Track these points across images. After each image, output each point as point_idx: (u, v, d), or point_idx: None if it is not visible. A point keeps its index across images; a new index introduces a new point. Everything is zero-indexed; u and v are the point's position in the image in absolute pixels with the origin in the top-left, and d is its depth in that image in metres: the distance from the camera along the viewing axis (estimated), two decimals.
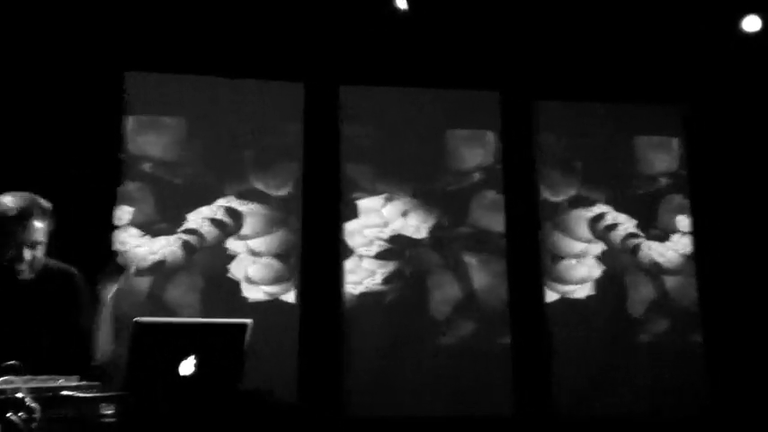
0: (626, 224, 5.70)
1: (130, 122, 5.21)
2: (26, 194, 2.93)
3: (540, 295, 5.51)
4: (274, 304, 5.17)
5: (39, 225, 2.87)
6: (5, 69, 4.88)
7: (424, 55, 5.50)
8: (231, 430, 2.42)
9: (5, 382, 2.05)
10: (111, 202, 5.05)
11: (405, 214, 5.49)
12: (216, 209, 5.26)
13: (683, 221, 5.77)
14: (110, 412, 2.22)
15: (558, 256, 5.61)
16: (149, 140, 5.23)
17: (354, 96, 5.53)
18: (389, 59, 5.47)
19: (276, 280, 5.24)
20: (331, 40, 5.42)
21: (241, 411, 2.49)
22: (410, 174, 5.53)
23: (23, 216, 2.86)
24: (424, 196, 5.53)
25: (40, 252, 2.91)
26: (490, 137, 5.69)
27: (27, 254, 2.86)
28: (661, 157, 5.88)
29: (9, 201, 2.89)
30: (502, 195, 5.60)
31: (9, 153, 4.77)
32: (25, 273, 2.89)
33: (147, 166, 5.19)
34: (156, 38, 5.15)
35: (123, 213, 5.11)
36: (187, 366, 2.33)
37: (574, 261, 5.60)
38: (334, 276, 5.29)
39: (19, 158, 4.77)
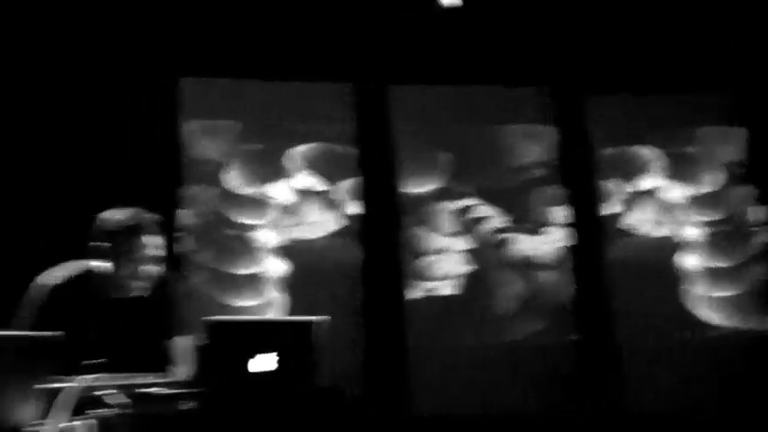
0: None
1: (188, 127, 5.32)
2: (134, 209, 2.99)
3: None
4: (340, 302, 5.26)
5: (155, 239, 2.95)
6: (68, 80, 5.00)
7: (471, 51, 5.52)
8: (303, 427, 2.47)
9: (96, 379, 2.12)
10: (173, 205, 5.17)
11: (463, 211, 5.53)
12: (273, 209, 5.35)
13: None
14: (190, 408, 2.30)
15: None
16: (206, 144, 5.35)
17: (404, 95, 5.56)
18: (437, 57, 5.49)
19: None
20: (380, 40, 5.45)
21: (312, 409, 2.54)
22: (465, 171, 5.57)
23: (138, 230, 2.93)
24: (483, 193, 5.56)
25: (155, 266, 2.97)
26: (544, 132, 5.70)
27: (146, 269, 2.93)
28: None
29: (121, 214, 2.96)
30: (563, 189, 5.63)
31: (72, 160, 4.90)
32: (142, 289, 2.96)
33: (205, 169, 5.32)
34: (209, 44, 5.24)
35: (184, 216, 5.24)
36: (257, 364, 2.38)
37: None
38: (396, 275, 5.33)
39: (80, 164, 4.91)
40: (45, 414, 1.92)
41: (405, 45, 5.45)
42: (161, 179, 5.11)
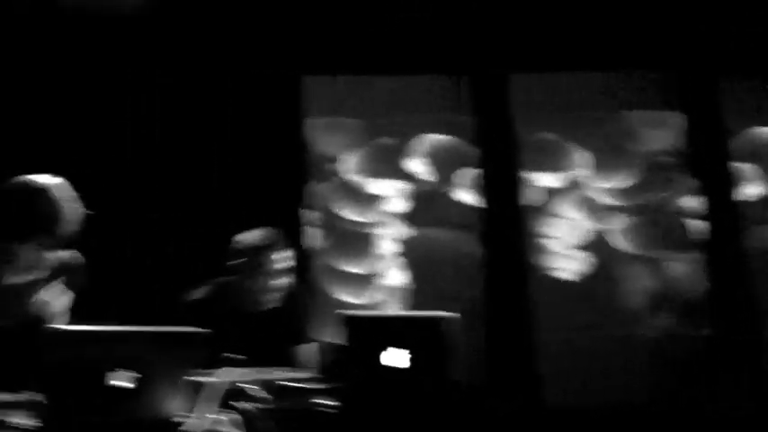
0: None
1: (311, 124, 5.40)
2: (267, 229, 3.30)
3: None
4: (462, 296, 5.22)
5: (284, 255, 3.23)
6: (193, 82, 5.14)
7: (591, 36, 5.37)
8: (435, 423, 2.46)
9: (238, 373, 2.17)
10: (298, 203, 5.26)
11: (588, 201, 5.41)
12: (395, 205, 5.37)
13: None
14: (328, 402, 2.33)
15: None
16: (329, 141, 5.41)
17: (524, 84, 5.46)
18: (557, 43, 5.36)
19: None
20: (498, 29, 5.37)
21: (444, 404, 2.53)
22: (590, 160, 5.43)
23: (269, 247, 3.22)
24: (609, 182, 5.41)
25: (287, 280, 3.23)
26: (674, 118, 5.50)
27: (277, 282, 3.21)
28: None
29: (253, 235, 3.26)
30: (694, 177, 5.41)
31: (200, 160, 5.04)
32: (275, 301, 3.24)
33: (329, 166, 5.38)
34: (330, 42, 5.29)
35: (309, 214, 5.32)
36: (395, 358, 2.38)
37: None
38: (520, 268, 5.27)
39: (208, 165, 5.05)
40: (192, 406, 1.97)
41: (524, 32, 5.35)
42: (285, 177, 5.22)
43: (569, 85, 5.49)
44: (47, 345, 1.76)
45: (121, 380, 1.82)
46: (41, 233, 2.37)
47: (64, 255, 2.50)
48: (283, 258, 3.25)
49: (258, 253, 3.22)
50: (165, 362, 1.88)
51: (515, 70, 5.44)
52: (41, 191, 2.41)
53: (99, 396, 1.80)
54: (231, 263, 3.27)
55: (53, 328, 1.75)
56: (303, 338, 3.35)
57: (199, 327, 3.03)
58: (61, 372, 1.76)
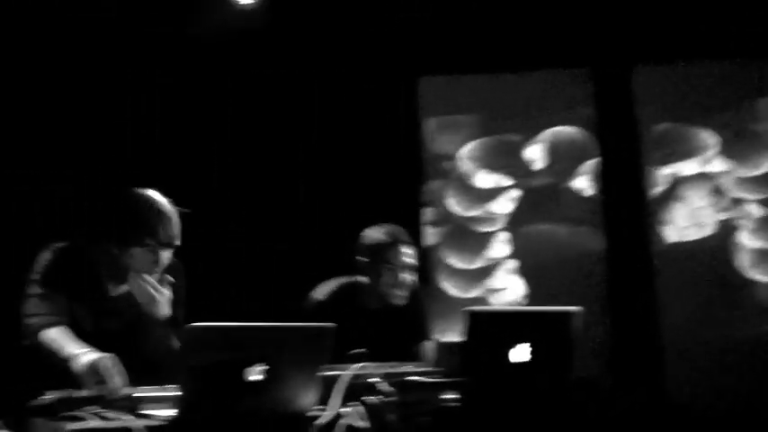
0: None
1: (427, 124, 5.45)
2: (390, 226, 3.34)
3: None
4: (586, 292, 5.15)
5: (409, 250, 3.26)
6: (315, 84, 5.26)
7: (715, 25, 5.18)
8: (560, 419, 2.45)
9: (362, 368, 2.22)
10: (417, 202, 5.32)
11: (719, 193, 5.24)
12: (514, 201, 5.35)
13: None
14: (452, 397, 2.36)
15: None
16: (447, 140, 5.45)
17: (647, 77, 5.32)
18: (682, 34, 5.20)
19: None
20: (618, 21, 5.26)
21: (571, 399, 2.52)
22: (719, 150, 5.25)
23: (395, 243, 3.25)
24: (741, 173, 5.22)
25: (412, 276, 3.27)
26: None
27: (404, 278, 3.23)
28: None
29: (379, 231, 3.30)
30: None
31: (320, 161, 5.15)
32: (401, 297, 3.27)
33: (446, 165, 5.41)
34: (446, 42, 5.31)
35: (428, 212, 5.37)
36: (521, 354, 2.39)
37: None
38: (646, 262, 5.15)
39: (328, 166, 5.16)
40: (323, 401, 2.04)
41: (645, 24, 5.21)
42: (403, 177, 5.28)
43: (692, 75, 5.33)
44: (188, 341, 1.84)
45: (257, 374, 1.89)
46: (151, 236, 2.49)
47: (171, 258, 2.61)
48: (408, 255, 3.26)
49: (384, 249, 3.24)
50: (297, 357, 1.94)
51: (637, 63, 5.31)
52: (147, 197, 2.55)
53: (236, 390, 1.88)
54: (358, 259, 3.31)
55: (195, 325, 1.84)
56: (425, 336, 3.41)
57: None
58: (202, 366, 1.85)
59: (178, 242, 2.56)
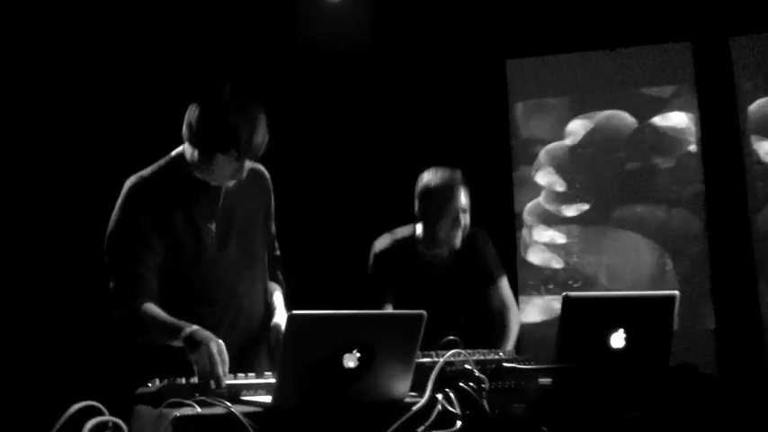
0: None
1: (517, 108, 5.39)
2: (446, 170, 3.27)
3: None
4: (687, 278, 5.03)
5: (462, 193, 3.21)
6: (403, 70, 5.27)
7: None
8: (659, 405, 2.40)
9: (455, 354, 2.22)
10: (509, 188, 5.27)
11: None
12: (617, 181, 5.25)
13: None
14: (547, 383, 2.34)
15: None
16: (536, 123, 5.37)
17: (746, 47, 5.10)
18: None
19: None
20: None
21: (669, 386, 2.46)
22: None
23: (448, 186, 3.20)
24: None
25: (466, 220, 3.22)
26: None
27: (458, 222, 3.19)
28: None
29: (432, 175, 3.24)
30: None
31: (405, 146, 5.16)
32: (457, 241, 3.23)
33: (537, 149, 5.34)
34: (532, 24, 5.25)
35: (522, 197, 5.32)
36: (618, 339, 2.35)
37: None
38: (747, 248, 4.99)
39: (412, 152, 5.15)
40: (419, 387, 2.05)
41: None
42: (493, 162, 5.24)
43: None
44: (288, 329, 1.87)
45: (353, 362, 1.91)
46: (234, 143, 2.43)
47: (254, 165, 2.64)
48: (462, 198, 3.20)
49: (437, 194, 3.18)
50: (391, 344, 1.95)
51: (735, 33, 5.11)
52: (236, 105, 2.48)
53: (333, 378, 1.90)
54: (417, 206, 3.27)
55: (295, 313, 1.87)
56: (492, 279, 3.37)
57: (386, 275, 3.24)
58: (299, 354, 1.87)
59: (260, 152, 2.52)
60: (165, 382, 2.05)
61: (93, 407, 1.87)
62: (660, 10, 5.08)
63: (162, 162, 2.61)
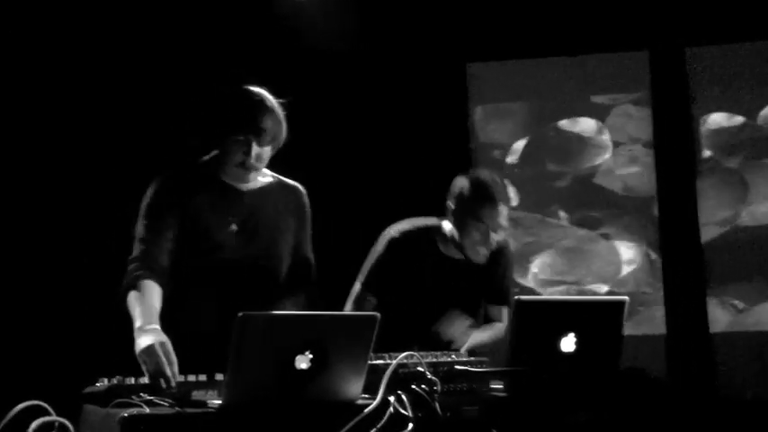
0: None
1: (476, 112, 5.41)
2: (488, 175, 3.02)
3: None
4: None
5: (502, 208, 2.95)
6: (361, 70, 5.26)
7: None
8: (610, 408, 2.43)
9: (408, 357, 2.22)
10: None
11: None
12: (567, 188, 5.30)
13: None
14: (499, 386, 2.35)
15: None
16: (495, 128, 5.40)
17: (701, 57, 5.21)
18: (736, 14, 5.08)
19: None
20: (669, 4, 5.15)
21: (619, 390, 2.49)
22: None
23: (487, 199, 2.91)
24: None
25: (500, 236, 3.04)
26: None
27: (489, 237, 2.95)
28: None
29: (472, 180, 2.97)
30: None
31: (367, 151, 5.15)
32: (482, 257, 3.00)
33: (496, 154, 5.37)
34: (493, 28, 5.27)
35: None
36: (568, 343, 2.37)
37: None
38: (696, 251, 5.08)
39: (373, 156, 5.16)
40: (371, 389, 2.05)
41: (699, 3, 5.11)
42: (451, 165, 5.24)
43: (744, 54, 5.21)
44: (238, 329, 1.86)
45: (307, 363, 1.90)
46: (241, 127, 2.52)
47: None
48: (499, 214, 2.93)
49: (474, 202, 2.91)
50: (343, 345, 1.95)
51: (692, 44, 5.20)
52: (245, 91, 2.60)
53: (284, 378, 1.89)
54: (448, 203, 3.02)
55: (246, 314, 1.85)
56: (504, 300, 3.16)
57: (393, 265, 3.04)
58: (250, 354, 1.87)
59: (272, 138, 2.57)
60: (114, 381, 2.03)
61: (38, 406, 1.84)
62: (619, 18, 5.15)
63: (191, 163, 2.69)
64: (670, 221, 5.12)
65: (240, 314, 1.86)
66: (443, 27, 5.27)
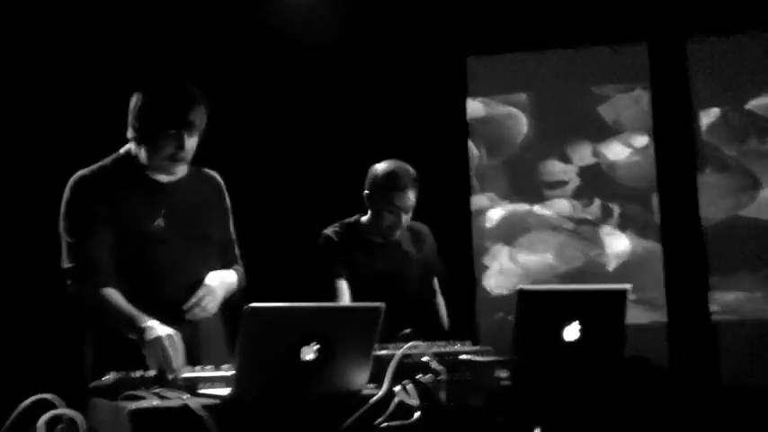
0: None
1: (475, 105, 5.42)
2: (397, 162, 3.31)
3: None
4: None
5: (410, 192, 3.23)
6: (358, 65, 5.27)
7: None
8: (612, 397, 2.44)
9: (412, 347, 2.24)
10: (466, 183, 5.30)
11: None
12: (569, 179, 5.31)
13: None
14: (504, 376, 2.37)
15: None
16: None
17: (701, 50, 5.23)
18: (736, 6, 5.09)
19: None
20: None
21: (622, 378, 2.50)
22: None
23: (396, 184, 3.22)
24: None
25: (408, 217, 3.29)
26: None
27: (400, 219, 3.24)
28: None
29: (384, 168, 3.27)
30: None
31: (365, 141, 5.15)
32: (396, 234, 3.31)
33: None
34: (493, 21, 5.28)
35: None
36: (572, 332, 2.38)
37: None
38: (699, 241, 5.08)
39: (369, 147, 5.14)
40: (376, 380, 2.06)
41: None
42: (450, 157, 5.27)
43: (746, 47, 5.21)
44: (245, 321, 1.87)
45: (310, 354, 1.92)
46: (174, 120, 2.55)
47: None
48: (407, 197, 3.24)
49: (385, 188, 3.23)
50: (349, 336, 1.96)
51: (691, 37, 5.21)
52: (171, 85, 2.63)
53: (290, 370, 1.91)
54: (365, 192, 3.33)
55: (252, 306, 1.86)
56: (435, 273, 3.48)
57: (331, 258, 3.29)
58: (257, 346, 1.88)
59: (199, 129, 2.61)
60: (122, 374, 2.04)
61: (47, 400, 1.85)
62: (618, 11, 5.15)
63: (107, 160, 2.69)
64: (671, 211, 5.13)
65: (246, 307, 1.87)
66: (443, 21, 5.28)
